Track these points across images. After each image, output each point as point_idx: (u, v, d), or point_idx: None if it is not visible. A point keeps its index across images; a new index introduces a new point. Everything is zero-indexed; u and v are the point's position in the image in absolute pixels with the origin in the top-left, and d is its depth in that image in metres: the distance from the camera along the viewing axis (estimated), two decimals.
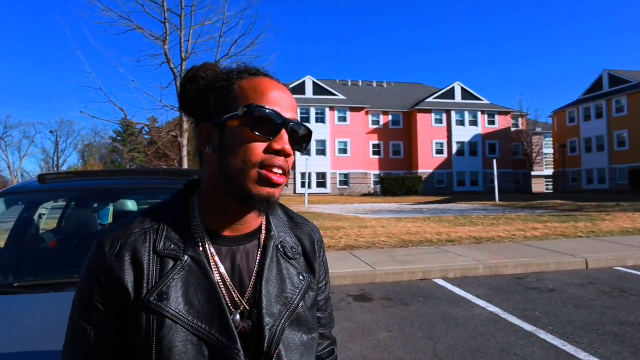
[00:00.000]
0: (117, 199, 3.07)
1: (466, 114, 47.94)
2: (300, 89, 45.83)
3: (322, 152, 45.59)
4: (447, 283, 6.50)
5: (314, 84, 46.28)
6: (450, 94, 48.82)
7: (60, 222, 3.60)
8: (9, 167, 74.27)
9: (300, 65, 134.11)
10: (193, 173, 3.01)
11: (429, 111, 47.40)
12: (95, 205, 3.27)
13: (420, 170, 46.64)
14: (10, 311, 1.80)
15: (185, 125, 14.85)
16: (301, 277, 0.92)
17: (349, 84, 54.14)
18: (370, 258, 7.77)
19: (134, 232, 0.82)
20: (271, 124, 0.80)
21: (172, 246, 0.82)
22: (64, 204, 3.71)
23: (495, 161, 30.11)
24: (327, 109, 45.72)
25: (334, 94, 46.42)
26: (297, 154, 0.91)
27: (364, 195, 44.59)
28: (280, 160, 0.80)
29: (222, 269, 0.84)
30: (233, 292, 0.84)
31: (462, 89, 48.78)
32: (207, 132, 0.84)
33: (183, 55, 14.34)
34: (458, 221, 14.24)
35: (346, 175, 46.26)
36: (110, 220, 2.99)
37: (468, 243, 9.39)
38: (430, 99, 48.36)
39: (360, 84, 54.69)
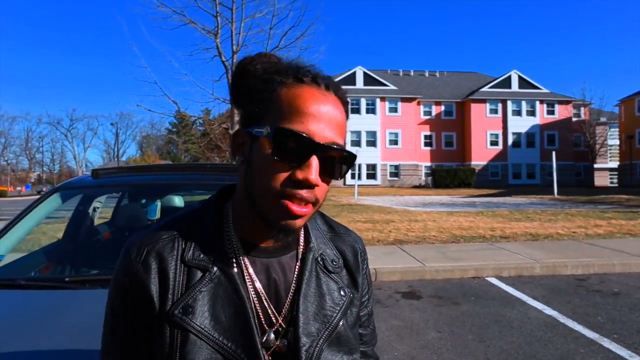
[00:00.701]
0: (165, 195, 3.12)
1: (523, 103, 45.96)
2: (350, 80, 45.52)
3: (372, 143, 45.20)
4: (501, 282, 6.22)
5: (365, 74, 45.82)
6: (506, 83, 46.91)
7: (114, 214, 3.71)
8: (75, 157, 78.90)
9: (351, 55, 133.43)
10: (236, 169, 2.99)
11: (483, 101, 45.81)
12: (144, 200, 3.33)
13: (473, 162, 45.28)
14: (58, 307, 1.84)
15: (237, 117, 15.05)
16: (342, 293, 0.84)
17: (400, 74, 53.19)
18: (419, 253, 7.58)
19: (162, 238, 0.77)
20: (298, 150, 0.69)
21: (201, 256, 0.76)
22: (118, 196, 3.82)
23: (554, 153, 28.62)
24: (378, 100, 45.20)
25: (384, 84, 45.78)
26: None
27: (415, 187, 43.86)
28: (302, 192, 0.70)
29: (258, 283, 0.77)
30: (268, 308, 0.77)
31: (519, 77, 46.75)
32: (241, 140, 0.77)
33: (234, 48, 14.50)
34: (513, 216, 13.68)
35: (396, 167, 45.67)
36: (157, 215, 3.03)
37: (524, 240, 8.98)
38: (484, 89, 46.69)
39: (412, 73, 53.60)
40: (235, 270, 0.76)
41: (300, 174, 0.70)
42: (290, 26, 14.58)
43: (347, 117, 0.78)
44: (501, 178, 45.52)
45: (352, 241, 0.93)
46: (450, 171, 42.22)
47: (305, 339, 0.76)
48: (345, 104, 0.78)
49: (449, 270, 6.57)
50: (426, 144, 47.27)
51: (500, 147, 45.97)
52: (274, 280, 0.79)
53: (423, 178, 46.18)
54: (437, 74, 53.44)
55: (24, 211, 2.65)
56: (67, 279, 2.12)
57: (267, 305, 0.77)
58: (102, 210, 3.82)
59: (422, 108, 47.25)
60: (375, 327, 1.01)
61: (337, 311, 0.81)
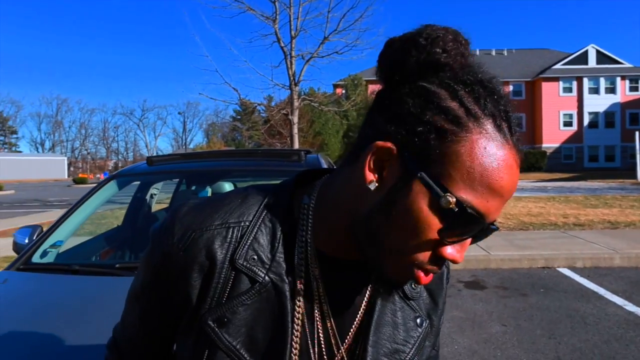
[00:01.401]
0: (216, 181, 3.10)
1: (601, 80, 42.59)
2: None
3: None
4: (574, 273, 5.77)
5: None
6: (582, 59, 43.62)
7: (172, 201, 3.77)
8: (146, 145, 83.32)
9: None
10: (292, 154, 2.90)
11: (555, 79, 42.96)
12: (194, 187, 3.35)
13: (544, 145, 42.77)
14: (106, 293, 1.85)
15: (296, 103, 15.09)
16: (418, 322, 0.69)
17: (492, 53, 51.05)
18: (484, 241, 7.20)
19: (214, 225, 0.62)
20: (465, 228, 0.53)
21: (257, 260, 0.61)
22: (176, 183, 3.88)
23: (637, 133, 26.29)
24: None
25: None
26: None
27: None
28: (438, 267, 0.56)
29: (324, 301, 0.63)
30: (335, 334, 0.64)
31: (597, 52, 43.30)
32: (386, 157, 0.55)
33: (292, 33, 14.46)
34: (589, 202, 12.74)
35: None
36: None
37: (601, 228, 8.31)
38: (557, 66, 43.72)
39: (477, 53, 51.24)
40: (301, 287, 0.62)
41: (449, 254, 0.54)
42: (348, 8, 14.28)
43: None
44: (575, 161, 42.71)
45: None
46: None
47: None
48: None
49: (516, 260, 6.19)
50: None
51: (574, 128, 43.04)
52: (341, 299, 0.64)
53: None
54: (505, 52, 50.72)
55: (82, 198, 2.73)
56: (117, 266, 2.14)
57: (334, 331, 0.64)
58: (161, 197, 3.91)
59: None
60: (439, 347, 0.84)
61: (411, 346, 0.67)
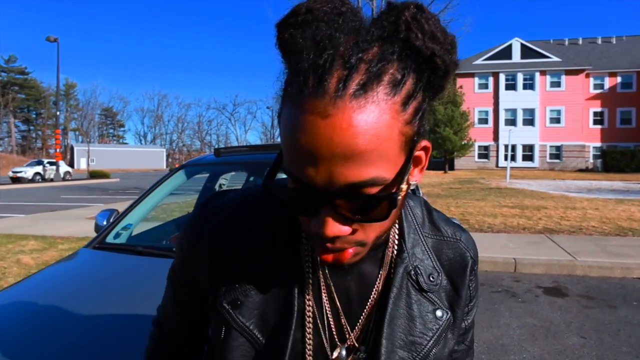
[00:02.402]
0: None
1: None
2: (505, 54, 41.94)
3: (529, 122, 41.32)
4: None
5: (522, 46, 41.72)
6: None
7: None
8: (237, 139, 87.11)
9: (507, 27, 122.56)
10: None
11: None
12: (252, 178, 3.45)
13: None
14: (163, 272, 1.98)
15: None
16: (438, 314, 0.68)
17: (566, 43, 47.25)
18: (571, 245, 6.68)
19: (240, 216, 0.68)
20: (297, 199, 0.53)
21: (268, 245, 0.66)
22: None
23: None
24: (537, 74, 40.93)
25: (545, 56, 41.17)
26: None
27: (580, 170, 39.03)
28: (329, 245, 0.54)
29: (333, 288, 0.65)
30: (343, 320, 0.66)
31: None
32: None
33: None
34: None
35: (558, 148, 41.11)
36: None
37: None
38: None
39: (581, 42, 47.21)
40: (305, 273, 0.65)
41: (313, 227, 0.53)
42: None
43: (428, 80, 0.51)
44: None
45: (463, 248, 0.73)
46: (626, 153, 36.48)
47: None
48: (401, 90, 0.49)
49: (607, 267, 5.64)
50: (596, 122, 41.50)
51: None
52: (348, 287, 0.66)
53: (590, 160, 40.79)
54: (613, 40, 46.19)
55: (153, 185, 2.93)
56: (174, 249, 2.27)
57: (342, 317, 0.66)
58: (230, 187, 4.08)
59: (591, 81, 41.45)
60: (473, 342, 0.82)
61: (429, 338, 0.66)
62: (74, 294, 1.84)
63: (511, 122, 41.28)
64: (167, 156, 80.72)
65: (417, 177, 0.58)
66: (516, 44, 41.96)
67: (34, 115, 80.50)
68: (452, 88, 37.58)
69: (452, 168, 41.43)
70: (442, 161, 40.40)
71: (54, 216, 11.07)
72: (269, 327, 0.64)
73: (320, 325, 0.65)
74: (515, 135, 38.35)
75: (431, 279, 0.68)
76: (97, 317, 1.60)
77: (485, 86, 42.47)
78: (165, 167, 70.95)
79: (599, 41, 46.58)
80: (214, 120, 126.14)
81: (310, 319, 0.64)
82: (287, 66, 0.53)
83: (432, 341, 0.66)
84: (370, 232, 0.55)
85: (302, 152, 0.48)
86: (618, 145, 40.00)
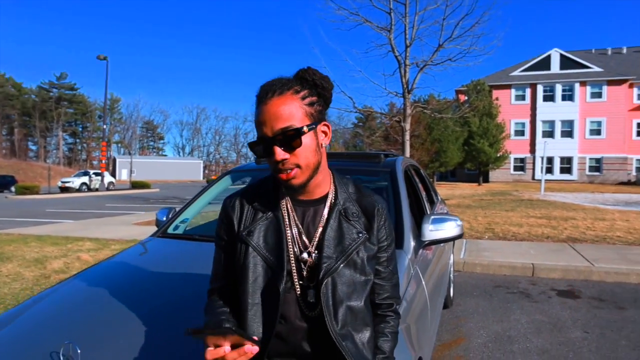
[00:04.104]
0: None
1: None
2: (544, 64, 41.45)
3: (568, 133, 40.54)
4: None
5: (562, 56, 41.14)
6: None
7: None
8: None
9: (546, 37, 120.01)
10: (374, 156, 3.39)
11: None
12: None
13: None
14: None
15: (409, 110, 15.34)
16: (359, 234, 1.21)
17: (609, 52, 46.22)
18: (591, 253, 6.90)
19: (244, 192, 1.29)
20: (262, 146, 1.14)
21: (263, 204, 1.24)
22: None
23: None
24: (577, 85, 40.22)
25: (586, 67, 40.40)
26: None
27: (621, 183, 37.91)
28: (279, 166, 1.12)
29: (297, 220, 1.22)
30: (304, 237, 1.21)
31: None
32: None
33: (407, 42, 14.77)
34: None
35: (598, 160, 40.13)
36: None
37: None
38: None
39: (625, 51, 46.07)
40: (283, 214, 1.22)
41: (271, 160, 1.14)
42: (464, 14, 14.20)
43: (317, 94, 1.17)
44: None
45: (373, 200, 1.29)
46: None
47: (326, 258, 1.17)
48: (301, 92, 1.14)
49: (622, 273, 5.88)
50: (639, 134, 40.31)
51: None
52: (309, 220, 1.22)
53: (633, 173, 39.57)
54: None
55: (204, 188, 3.52)
56: None
57: (303, 235, 1.21)
58: None
59: (635, 91, 40.40)
60: (396, 270, 1.33)
61: (353, 245, 1.20)
62: (156, 266, 2.40)
63: (549, 133, 40.63)
64: (204, 168, 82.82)
65: (325, 141, 1.20)
66: (555, 55, 41.41)
67: (80, 129, 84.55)
68: (488, 100, 37.34)
69: (486, 180, 40.97)
70: (477, 173, 40.07)
71: (102, 222, 11.97)
72: (269, 244, 1.18)
73: (295, 240, 1.19)
74: (553, 147, 37.70)
75: (354, 214, 1.23)
76: (178, 282, 2.14)
77: (522, 97, 42.00)
78: (202, 178, 72.89)
79: (624, 50, 45.30)
80: (251, 133, 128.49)
81: (289, 237, 1.19)
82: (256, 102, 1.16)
83: (353, 247, 1.18)
84: (299, 157, 1.11)
85: (260, 122, 1.12)
86: None
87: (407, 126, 15.49)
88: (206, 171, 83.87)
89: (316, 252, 1.18)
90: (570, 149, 40.41)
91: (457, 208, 14.20)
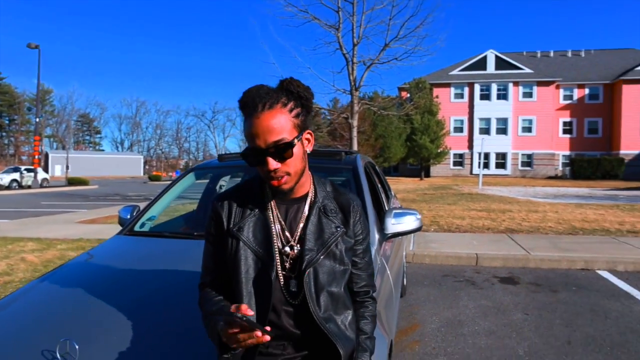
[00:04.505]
0: None
1: None
2: (480, 65, 43.47)
3: (502, 130, 42.81)
4: (613, 276, 5.95)
5: (497, 58, 43.34)
6: None
7: None
8: (216, 146, 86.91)
9: (483, 39, 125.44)
10: (335, 154, 3.54)
11: (639, 81, 40.41)
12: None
13: (622, 151, 40.35)
14: (189, 251, 2.59)
15: (356, 107, 15.68)
16: (337, 228, 1.34)
17: (538, 55, 49.16)
18: (528, 242, 7.47)
19: (232, 192, 1.39)
20: (256, 157, 1.24)
21: (250, 202, 1.34)
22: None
23: None
24: (511, 84, 42.55)
25: (518, 68, 42.82)
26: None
27: (550, 177, 40.63)
28: (272, 174, 1.23)
29: (281, 218, 1.34)
30: (287, 233, 1.33)
31: None
32: None
33: (355, 40, 15.08)
34: None
35: (529, 156, 42.71)
36: None
37: None
38: None
39: (552, 54, 49.18)
40: (268, 212, 1.33)
41: (263, 169, 1.24)
42: (409, 15, 14.67)
43: (301, 105, 1.25)
44: None
45: (349, 199, 1.43)
46: (592, 161, 38.23)
47: (307, 251, 1.29)
48: (288, 105, 1.23)
49: (555, 260, 6.44)
50: (565, 131, 43.31)
51: None
52: (291, 217, 1.34)
53: (560, 168, 42.50)
54: (582, 53, 48.28)
55: (169, 185, 3.53)
56: (195, 233, 2.88)
57: (286, 231, 1.33)
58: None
59: (561, 92, 43.32)
60: (371, 261, 1.48)
61: (332, 238, 1.32)
62: (132, 263, 2.42)
63: (485, 130, 42.68)
64: (145, 163, 80.00)
65: (309, 148, 1.30)
66: (491, 56, 43.53)
67: (7, 122, 79.07)
68: (429, 97, 38.75)
69: (427, 175, 42.54)
70: (419, 168, 41.49)
71: (41, 221, 11.38)
72: (258, 238, 1.29)
73: (278, 235, 1.31)
74: (489, 144, 39.71)
75: (332, 211, 1.35)
76: (155, 276, 2.19)
77: (461, 96, 43.84)
78: (142, 174, 70.35)
79: (569, 54, 48.59)
80: (193, 127, 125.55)
81: (274, 232, 1.30)
82: (242, 114, 1.25)
83: (332, 240, 1.31)
84: (289, 166, 1.22)
85: (253, 134, 1.20)
86: (585, 153, 41.81)
87: (355, 122, 15.81)
88: (147, 167, 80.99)
89: (298, 245, 1.30)
90: (505, 145, 42.71)
91: (403, 202, 14.73)
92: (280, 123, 1.19)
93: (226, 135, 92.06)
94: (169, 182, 3.59)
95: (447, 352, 3.63)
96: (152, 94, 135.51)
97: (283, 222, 1.33)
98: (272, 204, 1.34)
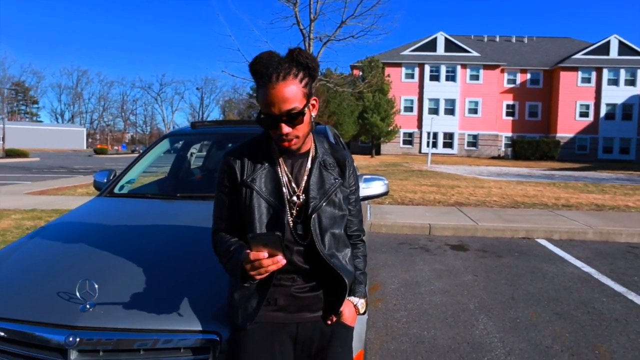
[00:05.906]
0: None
1: (622, 71, 42.36)
2: (431, 46, 44.42)
3: (450, 111, 44.23)
4: (549, 243, 6.57)
5: (446, 40, 44.41)
6: (604, 49, 43.29)
7: (205, 160, 4.62)
8: (164, 120, 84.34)
9: (433, 21, 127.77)
10: None
11: (574, 69, 42.82)
12: (230, 145, 4.19)
13: (558, 134, 42.92)
14: (175, 209, 2.72)
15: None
16: (336, 180, 1.55)
17: (485, 39, 50.78)
18: (475, 214, 8.02)
19: (242, 147, 1.55)
20: (271, 122, 1.38)
21: (259, 157, 1.51)
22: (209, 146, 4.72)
23: None
24: (459, 67, 43.82)
25: (466, 51, 44.15)
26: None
27: (493, 157, 42.60)
28: (284, 137, 1.38)
29: (287, 171, 1.52)
30: (294, 184, 1.51)
31: (620, 42, 42.89)
32: None
33: (311, 16, 15.08)
34: (586, 188, 13.39)
35: (475, 137, 44.50)
36: None
37: (586, 209, 9.03)
38: (578, 55, 43.47)
39: (498, 39, 50.95)
40: (277, 166, 1.51)
41: (276, 133, 1.40)
42: None
43: (309, 75, 1.38)
44: (589, 152, 42.85)
45: (344, 154, 1.63)
46: (532, 143, 40.40)
47: (312, 199, 1.49)
48: (298, 75, 1.35)
49: (500, 230, 6.99)
50: (508, 114, 45.38)
51: (590, 119, 43.05)
52: (297, 170, 1.52)
53: (502, 149, 44.64)
54: (525, 40, 50.38)
55: (144, 151, 3.60)
56: (178, 195, 3.00)
57: (292, 182, 1.52)
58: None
59: (505, 76, 45.19)
60: (360, 209, 1.71)
61: (332, 188, 1.53)
62: (121, 219, 2.52)
63: (434, 111, 43.95)
64: (88, 136, 76.53)
65: (314, 112, 1.45)
66: (441, 38, 44.54)
67: None
68: (381, 76, 39.35)
69: (378, 153, 43.47)
70: (370, 146, 42.29)
71: None
72: (269, 189, 1.45)
73: (286, 186, 1.48)
74: (437, 124, 41.01)
75: (330, 165, 1.54)
76: (151, 230, 2.30)
77: (412, 76, 44.74)
78: (85, 147, 67.33)
79: (514, 39, 50.54)
80: (140, 100, 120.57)
81: (283, 183, 1.47)
82: (254, 79, 1.39)
83: (332, 190, 1.50)
84: (299, 130, 1.39)
85: (268, 102, 1.34)
86: (526, 135, 44.10)
87: None
88: (90, 140, 77.51)
89: (303, 195, 1.50)
90: (452, 125, 44.22)
91: None
92: (292, 93, 1.33)
93: (174, 108, 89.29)
94: (115, 156, 3.64)
95: (407, 307, 3.97)
96: (95, 63, 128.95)
97: (290, 175, 1.51)
98: (280, 160, 1.51)
